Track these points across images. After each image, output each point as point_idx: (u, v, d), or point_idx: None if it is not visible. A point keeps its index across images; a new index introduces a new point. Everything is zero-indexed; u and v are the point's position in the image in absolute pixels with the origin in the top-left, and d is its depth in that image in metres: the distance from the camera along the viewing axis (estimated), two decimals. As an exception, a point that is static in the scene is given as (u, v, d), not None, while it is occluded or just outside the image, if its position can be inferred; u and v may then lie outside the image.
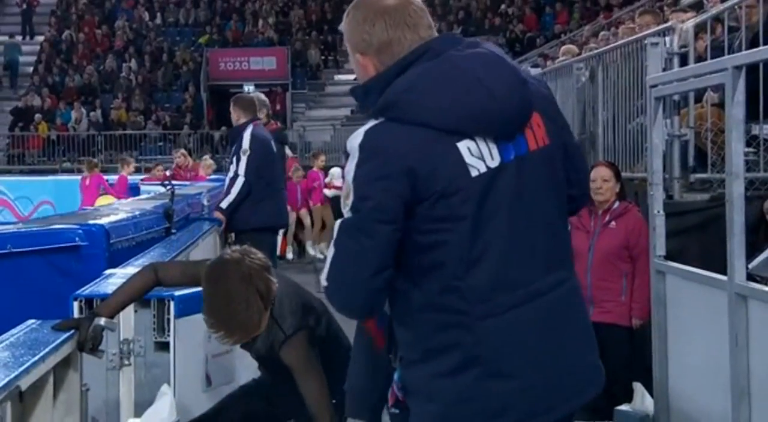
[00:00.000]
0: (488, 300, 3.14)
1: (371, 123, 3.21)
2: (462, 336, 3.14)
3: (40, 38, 41.06)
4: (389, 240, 3.10)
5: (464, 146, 3.12)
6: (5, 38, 40.68)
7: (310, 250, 19.24)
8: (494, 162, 3.14)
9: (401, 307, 3.26)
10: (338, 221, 3.19)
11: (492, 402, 3.16)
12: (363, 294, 3.16)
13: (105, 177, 21.54)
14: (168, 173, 19.05)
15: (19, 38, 41.25)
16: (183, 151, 21.44)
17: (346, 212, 3.14)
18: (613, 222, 7.76)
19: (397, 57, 3.22)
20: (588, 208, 7.65)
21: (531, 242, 3.21)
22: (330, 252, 3.20)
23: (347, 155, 3.19)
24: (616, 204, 7.84)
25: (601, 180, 7.75)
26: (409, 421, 3.34)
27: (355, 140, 3.16)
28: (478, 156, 3.13)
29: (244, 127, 9.95)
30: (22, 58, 40.32)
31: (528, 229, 3.20)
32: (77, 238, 7.13)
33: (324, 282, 3.21)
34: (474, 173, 3.11)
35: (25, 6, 41.97)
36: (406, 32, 3.24)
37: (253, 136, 9.83)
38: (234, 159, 9.91)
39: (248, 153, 9.76)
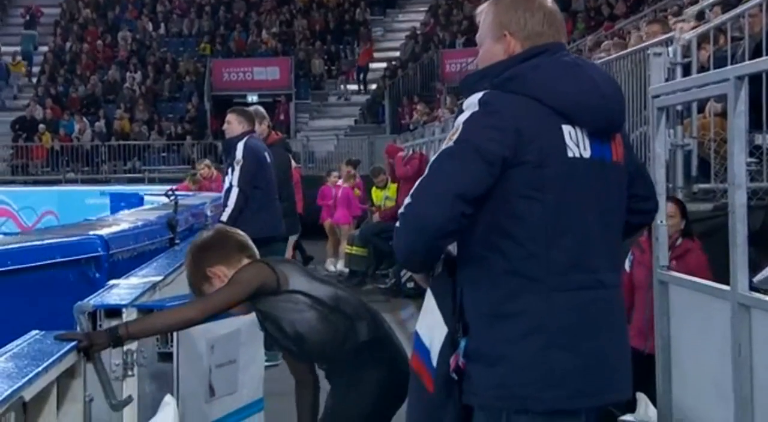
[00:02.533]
0: (564, 274, 3.39)
1: (488, 90, 3.46)
2: (534, 304, 3.38)
3: (44, 49, 41.09)
4: (481, 177, 3.34)
5: (567, 129, 3.42)
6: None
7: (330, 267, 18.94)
8: (586, 153, 3.45)
9: (479, 272, 3.46)
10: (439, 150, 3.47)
11: (553, 372, 3.38)
12: (443, 212, 3.34)
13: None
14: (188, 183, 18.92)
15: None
16: (207, 161, 21.08)
17: (448, 144, 3.42)
18: (673, 262, 7.26)
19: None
20: (650, 242, 7.49)
21: (602, 237, 3.50)
22: (423, 175, 3.44)
23: (460, 111, 3.49)
24: (679, 241, 7.57)
25: (665, 216, 7.29)
26: (467, 387, 3.51)
27: (474, 97, 3.45)
28: (575, 142, 3.43)
29: (239, 138, 10.02)
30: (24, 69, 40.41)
31: (601, 225, 3.49)
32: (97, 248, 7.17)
33: (408, 200, 3.42)
34: (570, 154, 3.41)
35: (28, 17, 42.01)
36: (554, 32, 3.59)
37: (246, 146, 9.92)
38: (229, 170, 10.00)
39: (241, 163, 9.83)
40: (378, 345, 4.64)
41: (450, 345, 3.59)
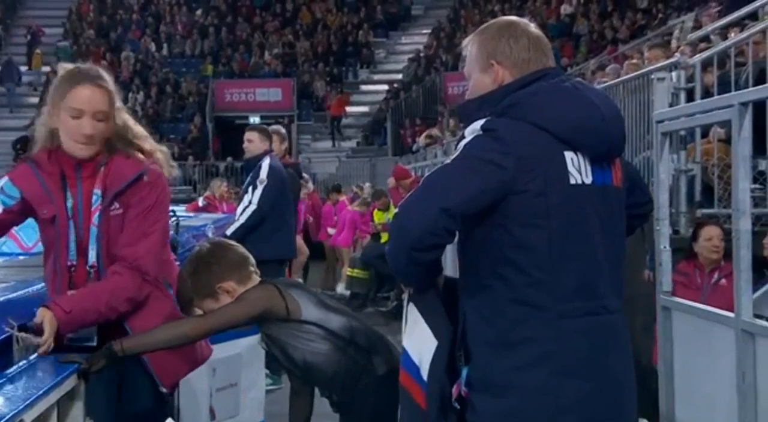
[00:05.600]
0: (570, 301, 3.38)
1: (490, 117, 3.46)
2: (540, 331, 3.36)
3: (46, 68, 41.11)
4: (473, 195, 3.33)
5: (569, 156, 3.41)
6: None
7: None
8: (588, 179, 3.44)
9: (484, 302, 3.45)
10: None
11: (562, 399, 3.36)
12: (424, 224, 3.32)
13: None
14: (201, 204, 18.71)
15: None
16: (225, 183, 20.80)
17: (446, 162, 3.43)
18: (723, 280, 7.50)
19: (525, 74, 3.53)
20: (695, 264, 7.54)
21: (606, 262, 3.48)
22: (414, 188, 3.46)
23: (462, 138, 3.49)
24: (723, 262, 7.57)
25: (718, 239, 7.56)
26: (472, 418, 3.49)
27: (476, 124, 3.45)
28: (578, 169, 3.42)
29: (262, 157, 9.92)
30: (27, 88, 40.44)
31: (605, 250, 3.48)
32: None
33: (396, 209, 3.43)
34: (572, 181, 3.39)
35: (29, 36, 42.04)
36: (541, 57, 3.59)
37: (271, 167, 9.80)
38: (249, 188, 9.86)
39: (265, 183, 9.72)
40: (395, 376, 4.51)
41: (441, 359, 3.57)
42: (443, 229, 3.33)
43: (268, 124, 12.77)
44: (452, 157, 3.44)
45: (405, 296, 3.81)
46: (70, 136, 4.29)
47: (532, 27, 3.66)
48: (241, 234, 9.36)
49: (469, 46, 3.68)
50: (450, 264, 3.82)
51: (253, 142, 10.10)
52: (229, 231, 9.61)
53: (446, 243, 3.42)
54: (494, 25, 3.68)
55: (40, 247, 4.62)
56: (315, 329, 4.52)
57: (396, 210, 3.45)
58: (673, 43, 13.95)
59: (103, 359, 4.24)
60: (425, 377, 3.60)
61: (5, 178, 4.44)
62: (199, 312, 4.63)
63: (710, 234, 7.56)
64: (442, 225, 3.31)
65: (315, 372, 4.57)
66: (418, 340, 3.66)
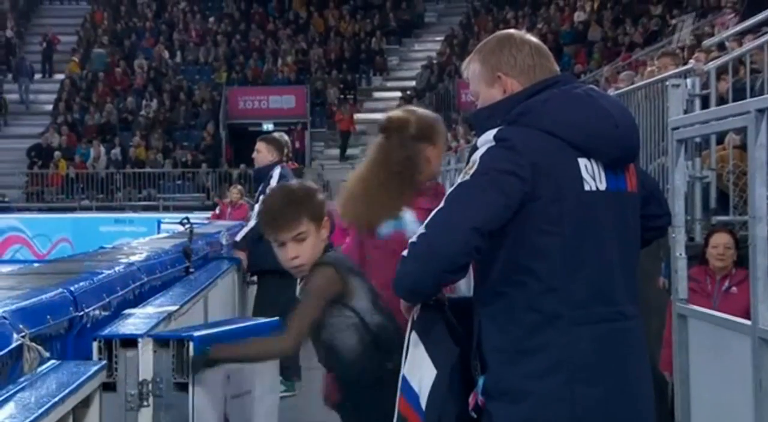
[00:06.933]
0: (584, 307, 3.38)
1: (502, 126, 3.45)
2: (555, 339, 3.36)
3: (60, 76, 41.23)
4: (498, 211, 3.33)
5: (582, 162, 3.41)
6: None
7: None
8: (602, 185, 3.44)
9: (499, 309, 3.44)
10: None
11: (577, 406, 3.36)
12: (457, 244, 3.31)
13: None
14: (217, 211, 18.85)
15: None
16: (240, 187, 20.85)
17: (465, 178, 3.40)
18: (734, 288, 7.39)
19: (534, 81, 3.53)
20: (706, 271, 7.54)
21: (621, 269, 3.48)
22: (438, 207, 3.42)
23: (475, 148, 3.48)
24: (734, 270, 7.48)
25: (724, 247, 7.47)
26: None
27: (488, 135, 3.44)
28: (591, 175, 3.42)
29: (272, 166, 10.00)
30: (42, 96, 40.55)
31: (620, 257, 3.48)
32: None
33: (422, 230, 3.39)
34: (587, 187, 3.40)
35: (45, 44, 42.15)
36: (546, 62, 3.61)
37: (281, 176, 9.87)
38: (261, 197, 9.95)
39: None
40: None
41: (439, 389, 3.55)
42: (474, 249, 3.32)
43: (282, 131, 12.77)
44: (468, 169, 3.42)
45: (408, 323, 3.75)
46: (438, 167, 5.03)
47: (530, 36, 3.69)
48: (249, 239, 9.49)
49: (470, 65, 3.69)
50: (463, 282, 3.78)
51: (260, 153, 10.25)
52: (238, 237, 9.77)
53: (470, 263, 3.42)
54: (492, 40, 3.69)
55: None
56: (354, 318, 4.46)
57: (421, 230, 3.40)
58: (675, 40, 13.91)
59: (200, 362, 4.39)
60: (424, 406, 3.59)
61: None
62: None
63: (717, 242, 7.51)
64: (474, 244, 3.31)
65: (336, 356, 4.53)
66: (419, 368, 3.64)
